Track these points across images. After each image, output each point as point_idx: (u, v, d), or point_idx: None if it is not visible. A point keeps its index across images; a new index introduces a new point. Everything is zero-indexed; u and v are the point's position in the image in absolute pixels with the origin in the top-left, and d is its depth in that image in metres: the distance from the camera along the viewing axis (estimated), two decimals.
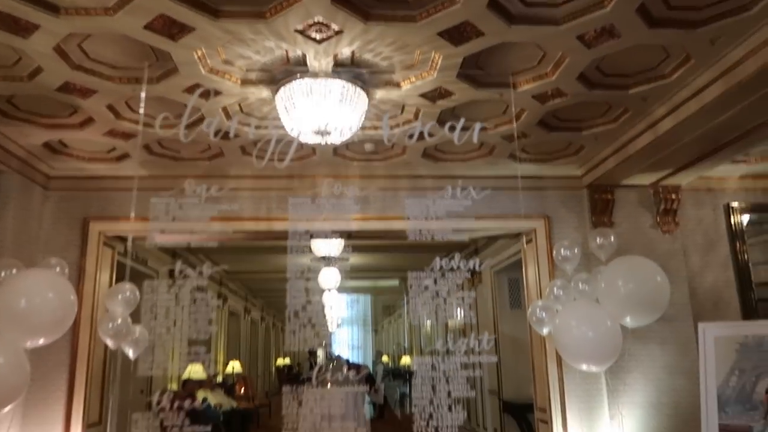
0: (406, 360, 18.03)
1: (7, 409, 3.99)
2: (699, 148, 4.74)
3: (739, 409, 3.02)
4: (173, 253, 7.87)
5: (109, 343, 5.08)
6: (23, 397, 4.48)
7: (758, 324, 3.34)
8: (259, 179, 5.42)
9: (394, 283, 13.56)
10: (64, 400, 4.96)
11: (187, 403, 3.09)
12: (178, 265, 4.13)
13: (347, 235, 6.30)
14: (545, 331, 5.25)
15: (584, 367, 4.97)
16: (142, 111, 3.97)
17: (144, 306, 4.48)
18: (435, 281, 4.33)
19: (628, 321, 4.87)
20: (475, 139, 3.78)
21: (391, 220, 5.51)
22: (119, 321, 5.02)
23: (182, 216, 4.11)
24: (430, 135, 3.95)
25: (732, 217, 5.83)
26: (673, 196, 5.58)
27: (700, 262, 5.75)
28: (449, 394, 1.62)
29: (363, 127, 4.34)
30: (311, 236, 6.55)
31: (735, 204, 5.88)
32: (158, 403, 3.15)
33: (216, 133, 3.65)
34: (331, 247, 7.83)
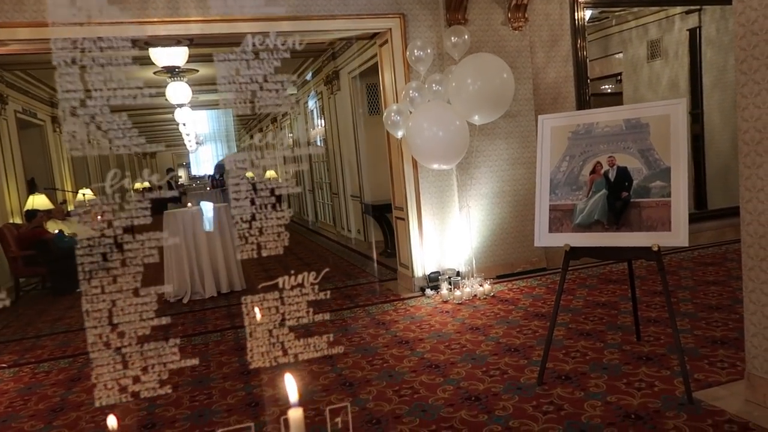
0: (271, 173, 18.10)
1: None
2: None
3: (567, 190, 3.36)
4: None
5: None
6: None
7: (588, 113, 3.60)
8: None
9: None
10: None
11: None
12: None
13: (188, 42, 5.70)
14: (399, 134, 5.35)
15: (435, 166, 5.23)
16: None
17: None
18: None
19: (476, 119, 5.08)
20: None
21: (236, 22, 4.98)
22: None
23: None
24: None
25: (576, 12, 5.98)
26: None
27: (544, 58, 5.98)
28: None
29: None
30: (146, 44, 5.83)
31: None
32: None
33: None
34: (174, 56, 7.08)
